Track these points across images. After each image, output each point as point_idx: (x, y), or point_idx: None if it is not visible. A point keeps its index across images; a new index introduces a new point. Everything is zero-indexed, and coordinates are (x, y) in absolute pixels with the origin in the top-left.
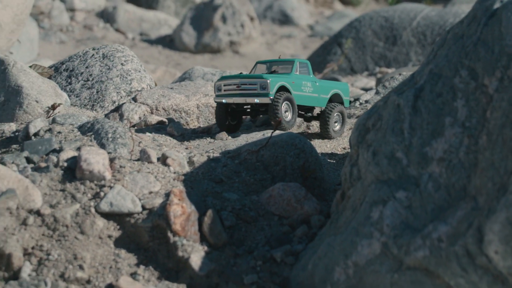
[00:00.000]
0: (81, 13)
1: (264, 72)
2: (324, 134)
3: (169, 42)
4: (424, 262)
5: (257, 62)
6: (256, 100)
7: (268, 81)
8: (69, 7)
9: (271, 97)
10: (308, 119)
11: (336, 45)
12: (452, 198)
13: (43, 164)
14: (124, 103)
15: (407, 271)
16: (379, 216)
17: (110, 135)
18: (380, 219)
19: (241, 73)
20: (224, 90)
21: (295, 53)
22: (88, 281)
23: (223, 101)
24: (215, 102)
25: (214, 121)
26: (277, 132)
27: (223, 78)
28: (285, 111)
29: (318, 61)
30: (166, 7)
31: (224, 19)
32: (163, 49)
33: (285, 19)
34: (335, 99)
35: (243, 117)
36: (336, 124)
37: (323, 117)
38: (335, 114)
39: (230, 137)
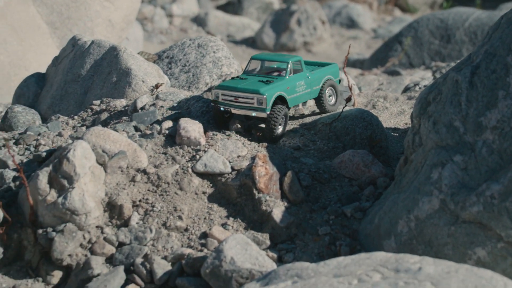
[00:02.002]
0: (178, 18)
1: (258, 69)
2: (321, 110)
3: (252, 42)
4: (478, 216)
5: (252, 58)
6: (254, 114)
7: (265, 96)
8: (168, 13)
9: (268, 112)
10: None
11: (397, 43)
12: (504, 161)
13: (148, 132)
14: (216, 84)
15: (462, 224)
16: (438, 177)
17: (204, 109)
18: (439, 179)
19: (237, 77)
20: (222, 99)
21: (360, 52)
22: (186, 229)
23: (221, 108)
24: (213, 106)
25: None
26: (347, 107)
27: (220, 87)
28: (279, 125)
29: (381, 57)
30: (250, 13)
31: (299, 22)
32: (246, 48)
33: (351, 24)
34: None
35: None
36: (331, 98)
37: (317, 97)
38: (327, 89)
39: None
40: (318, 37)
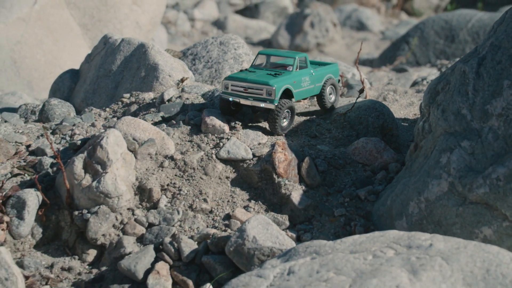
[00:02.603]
0: (199, 22)
1: (264, 64)
2: (322, 107)
3: (268, 44)
4: (484, 197)
5: (259, 53)
6: (262, 105)
7: (274, 88)
8: (190, 17)
9: (276, 104)
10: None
11: (404, 43)
12: (508, 146)
13: (175, 121)
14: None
15: (470, 205)
16: (447, 161)
17: None
18: (448, 163)
19: (246, 70)
20: (231, 90)
21: (369, 52)
22: (211, 211)
23: (230, 99)
24: (221, 97)
25: None
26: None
27: (230, 78)
28: (283, 118)
29: (390, 56)
30: (266, 17)
31: (312, 25)
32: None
33: (361, 26)
34: None
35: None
36: (331, 95)
37: (319, 93)
38: (328, 87)
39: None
40: (330, 38)
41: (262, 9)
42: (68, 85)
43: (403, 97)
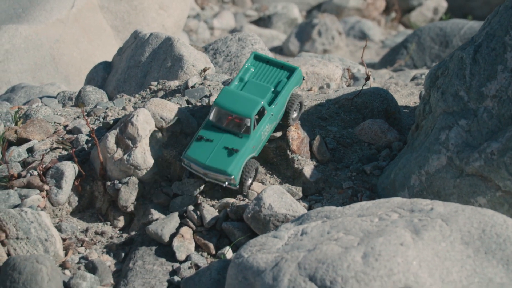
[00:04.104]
0: (218, 30)
1: (223, 118)
2: (284, 123)
3: (279, 50)
4: (479, 170)
5: (215, 103)
6: (225, 185)
7: (232, 177)
8: (210, 26)
9: (237, 185)
10: None
11: (403, 48)
12: (501, 124)
13: (198, 104)
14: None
15: (466, 177)
16: (446, 138)
17: None
18: (447, 140)
19: (202, 138)
20: (192, 168)
21: (371, 58)
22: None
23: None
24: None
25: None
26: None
27: (189, 158)
28: (249, 178)
29: (389, 60)
30: (278, 27)
31: (319, 33)
32: (275, 55)
33: (363, 36)
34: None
35: None
36: (295, 112)
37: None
38: (295, 105)
39: None
40: (335, 45)
41: (274, 19)
42: (101, 75)
43: (404, 88)
